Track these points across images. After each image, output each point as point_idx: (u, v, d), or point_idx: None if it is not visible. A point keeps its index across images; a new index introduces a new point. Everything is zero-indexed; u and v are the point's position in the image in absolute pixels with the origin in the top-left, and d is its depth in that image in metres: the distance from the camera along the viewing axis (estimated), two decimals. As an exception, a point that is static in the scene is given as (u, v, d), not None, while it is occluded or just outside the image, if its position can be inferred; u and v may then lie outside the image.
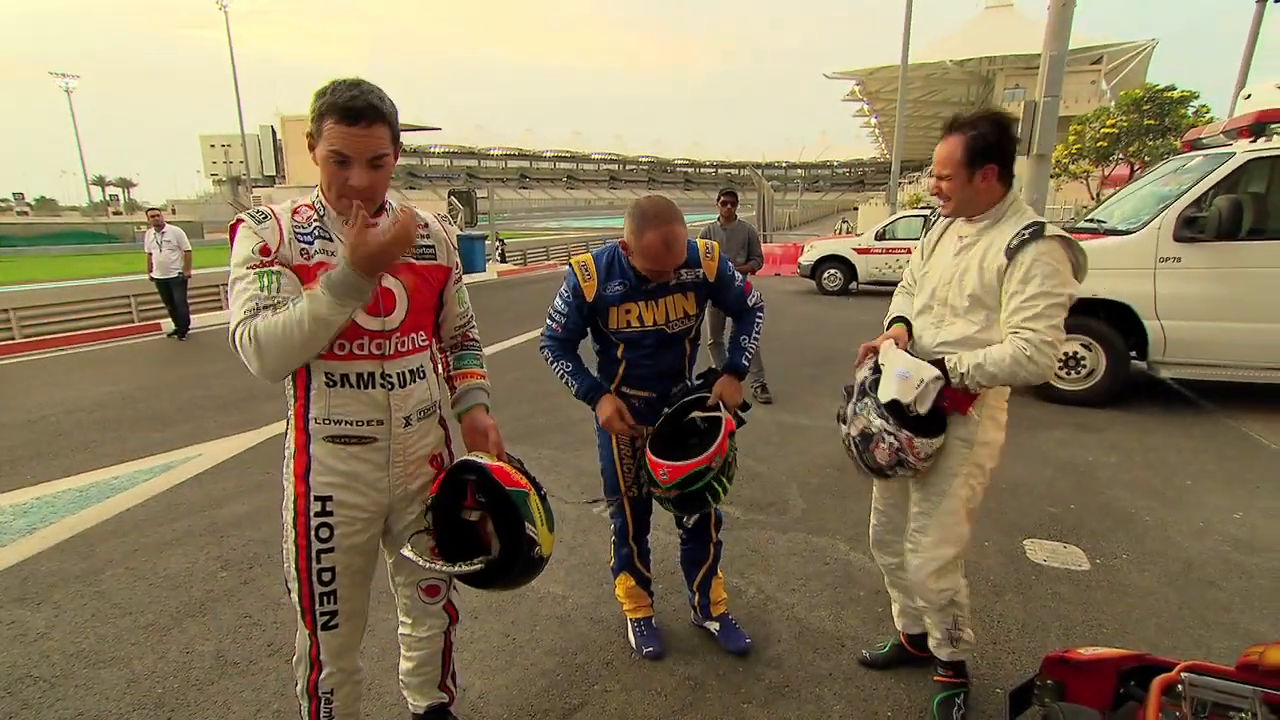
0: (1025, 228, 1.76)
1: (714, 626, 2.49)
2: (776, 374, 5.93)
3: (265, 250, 1.39)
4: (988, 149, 1.80)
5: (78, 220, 50.79)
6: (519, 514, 1.51)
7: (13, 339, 8.34)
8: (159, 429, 4.91)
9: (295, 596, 1.58)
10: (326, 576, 1.56)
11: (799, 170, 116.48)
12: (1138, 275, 4.94)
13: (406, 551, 1.58)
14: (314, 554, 1.54)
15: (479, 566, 1.54)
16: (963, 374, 1.80)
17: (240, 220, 1.45)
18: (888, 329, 2.10)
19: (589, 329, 2.22)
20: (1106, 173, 26.08)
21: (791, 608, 2.71)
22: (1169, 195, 5.06)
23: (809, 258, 13.07)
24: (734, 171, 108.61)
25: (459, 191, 18.68)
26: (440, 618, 1.80)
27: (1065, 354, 5.26)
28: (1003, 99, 43.57)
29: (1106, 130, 24.41)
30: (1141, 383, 5.76)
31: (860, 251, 12.49)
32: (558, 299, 2.17)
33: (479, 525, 1.59)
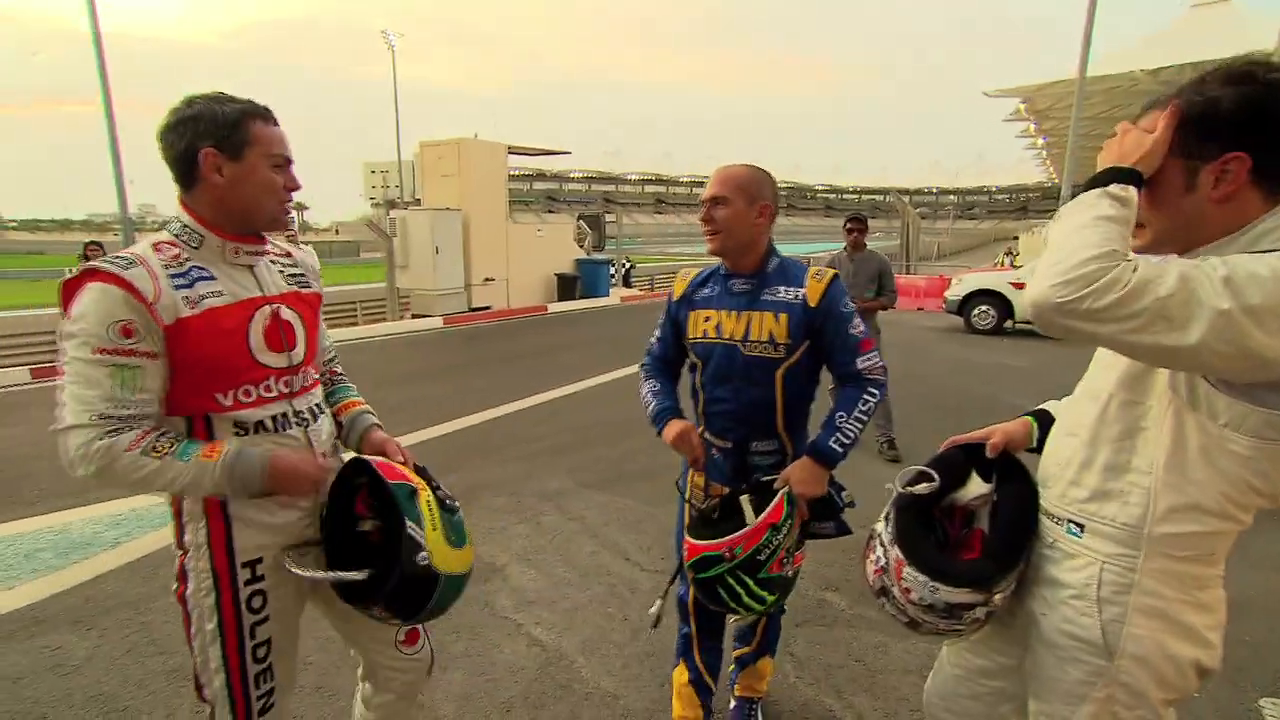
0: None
1: (730, 702, 2.18)
2: (908, 424, 5.10)
3: (128, 331, 1.18)
4: (1227, 120, 0.96)
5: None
6: (399, 510, 1.29)
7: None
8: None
9: (221, 692, 1.38)
10: (261, 652, 1.40)
11: (951, 196, 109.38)
12: None
13: (288, 564, 1.36)
14: (246, 632, 1.37)
15: (362, 576, 1.29)
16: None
17: (94, 272, 1.19)
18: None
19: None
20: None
21: (904, 754, 2.04)
22: None
23: (957, 291, 11.74)
24: (878, 197, 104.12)
25: (588, 216, 19.01)
26: (424, 662, 1.65)
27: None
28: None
29: None
30: None
31: (1018, 286, 10.97)
32: (660, 315, 2.00)
33: (373, 537, 1.40)
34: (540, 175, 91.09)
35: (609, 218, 22.09)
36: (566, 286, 15.39)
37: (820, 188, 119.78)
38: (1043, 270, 0.97)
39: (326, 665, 2.42)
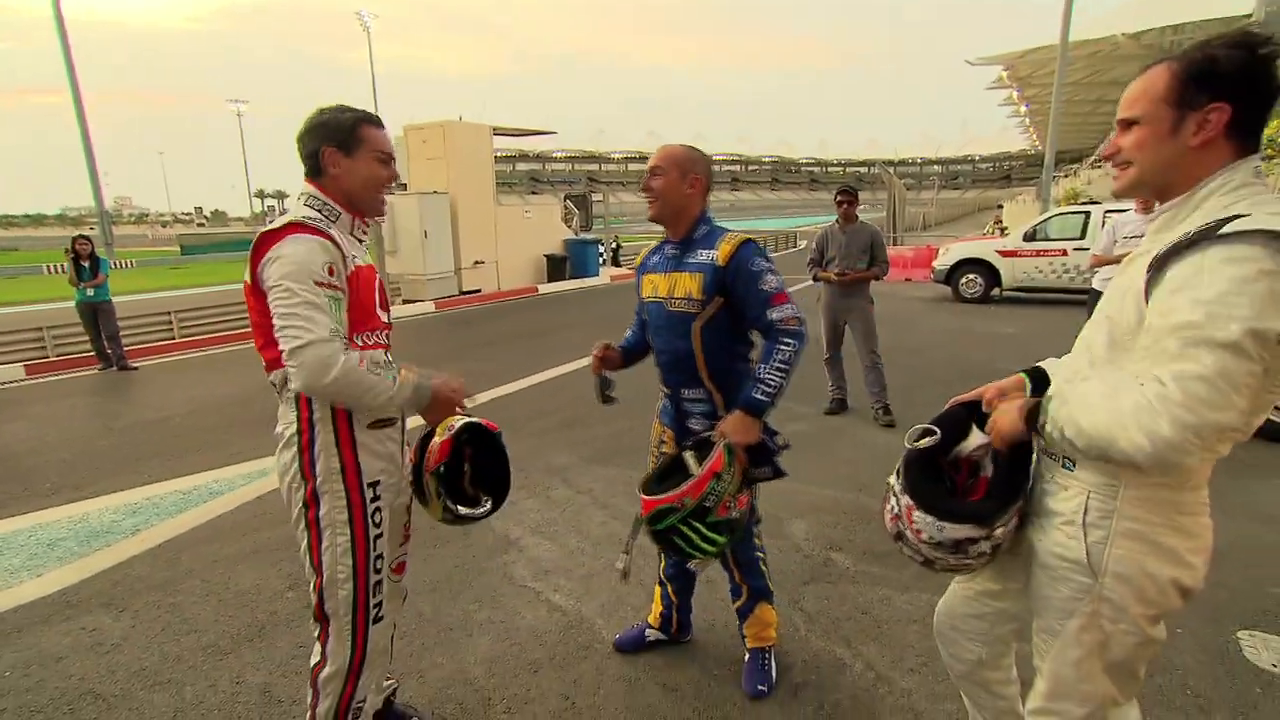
0: (1206, 225, 1.05)
1: (745, 655, 2.32)
2: (901, 394, 5.23)
3: (332, 271, 1.48)
4: (1219, 75, 1.08)
5: (241, 230, 58.42)
6: (504, 452, 1.80)
7: (172, 338, 9.26)
8: (266, 431, 5.04)
9: (345, 602, 1.63)
10: (380, 564, 1.67)
11: (935, 166, 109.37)
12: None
13: (462, 510, 1.69)
14: (371, 543, 1.64)
15: (489, 506, 1.75)
16: (1052, 418, 1.18)
17: (302, 224, 1.49)
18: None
19: None
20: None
21: (908, 694, 2.17)
22: None
23: (945, 261, 11.86)
24: (863, 170, 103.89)
25: (575, 195, 18.93)
26: (401, 595, 1.93)
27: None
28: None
29: None
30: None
31: (1005, 254, 11.09)
32: None
33: (476, 475, 1.76)
34: (523, 156, 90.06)
35: (595, 197, 21.99)
36: (556, 267, 15.38)
37: (806, 162, 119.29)
38: (1125, 451, 1.06)
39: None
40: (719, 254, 1.93)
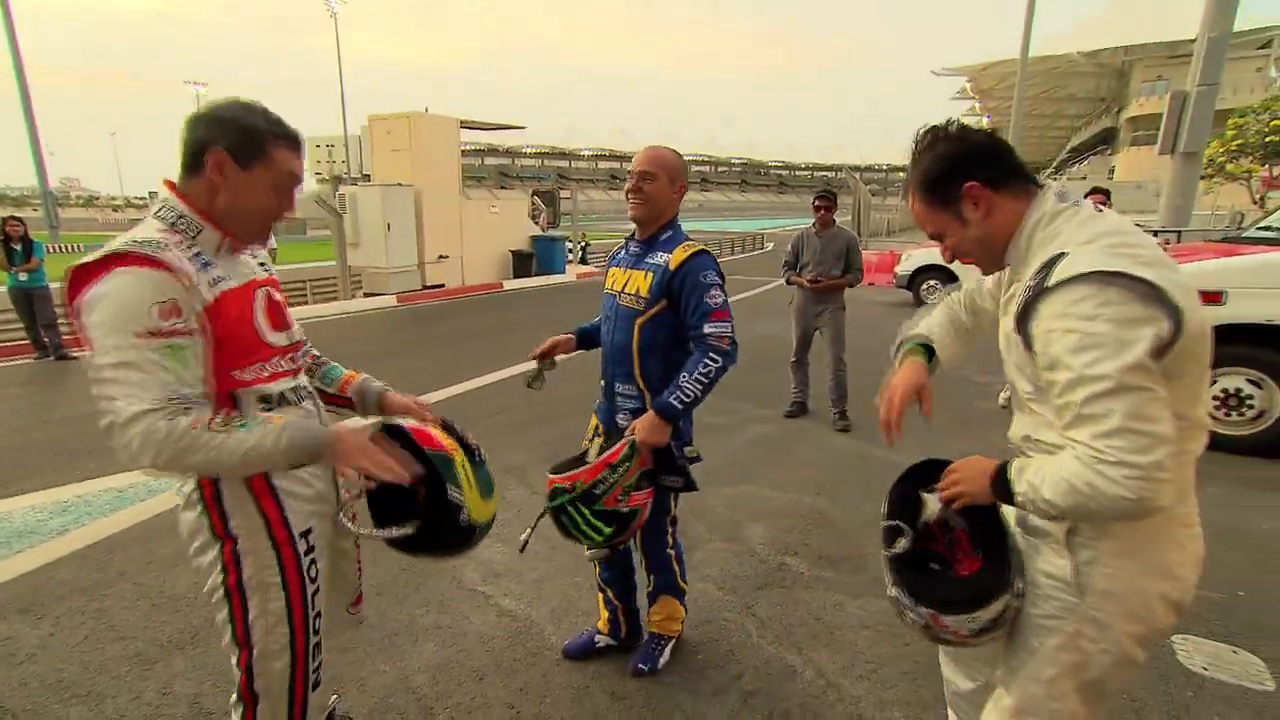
0: (1037, 272, 1.13)
1: (645, 636, 2.38)
2: (860, 397, 5.28)
3: (169, 312, 1.16)
4: (943, 167, 1.24)
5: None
6: (440, 477, 1.42)
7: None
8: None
9: (280, 676, 1.40)
10: (319, 624, 1.45)
11: (900, 173, 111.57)
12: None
13: (344, 520, 1.48)
14: (309, 604, 1.41)
15: (410, 531, 1.42)
16: (1024, 498, 1.16)
17: (124, 255, 1.16)
18: (896, 356, 1.59)
19: None
20: (1275, 172, 22.86)
21: (857, 701, 2.17)
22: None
23: (906, 267, 12.08)
24: (830, 174, 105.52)
25: (542, 192, 18.76)
26: (361, 620, 1.78)
27: (1225, 391, 4.33)
28: (1140, 93, 39.49)
29: (1279, 123, 21.26)
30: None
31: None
32: None
33: (413, 492, 1.45)
34: (492, 150, 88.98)
35: (564, 194, 21.83)
36: (522, 263, 15.21)
37: (774, 164, 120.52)
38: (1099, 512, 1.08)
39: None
40: (672, 259, 1.99)
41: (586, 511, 1.83)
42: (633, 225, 2.15)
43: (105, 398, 1.14)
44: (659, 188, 2.02)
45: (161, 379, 1.14)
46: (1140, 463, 1.01)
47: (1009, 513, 1.35)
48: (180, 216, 1.28)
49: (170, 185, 1.31)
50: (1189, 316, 1.04)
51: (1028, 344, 1.15)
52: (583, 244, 19.29)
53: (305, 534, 1.40)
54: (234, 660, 1.39)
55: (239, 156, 1.27)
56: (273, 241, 8.89)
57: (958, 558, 1.38)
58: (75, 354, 7.64)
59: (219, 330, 1.25)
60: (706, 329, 1.94)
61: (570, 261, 17.44)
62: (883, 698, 2.19)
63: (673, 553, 2.28)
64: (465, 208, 14.03)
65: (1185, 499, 1.20)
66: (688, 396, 1.89)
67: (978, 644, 1.33)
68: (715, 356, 1.92)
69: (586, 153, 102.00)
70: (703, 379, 1.90)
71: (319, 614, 1.44)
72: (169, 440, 1.12)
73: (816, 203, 5.13)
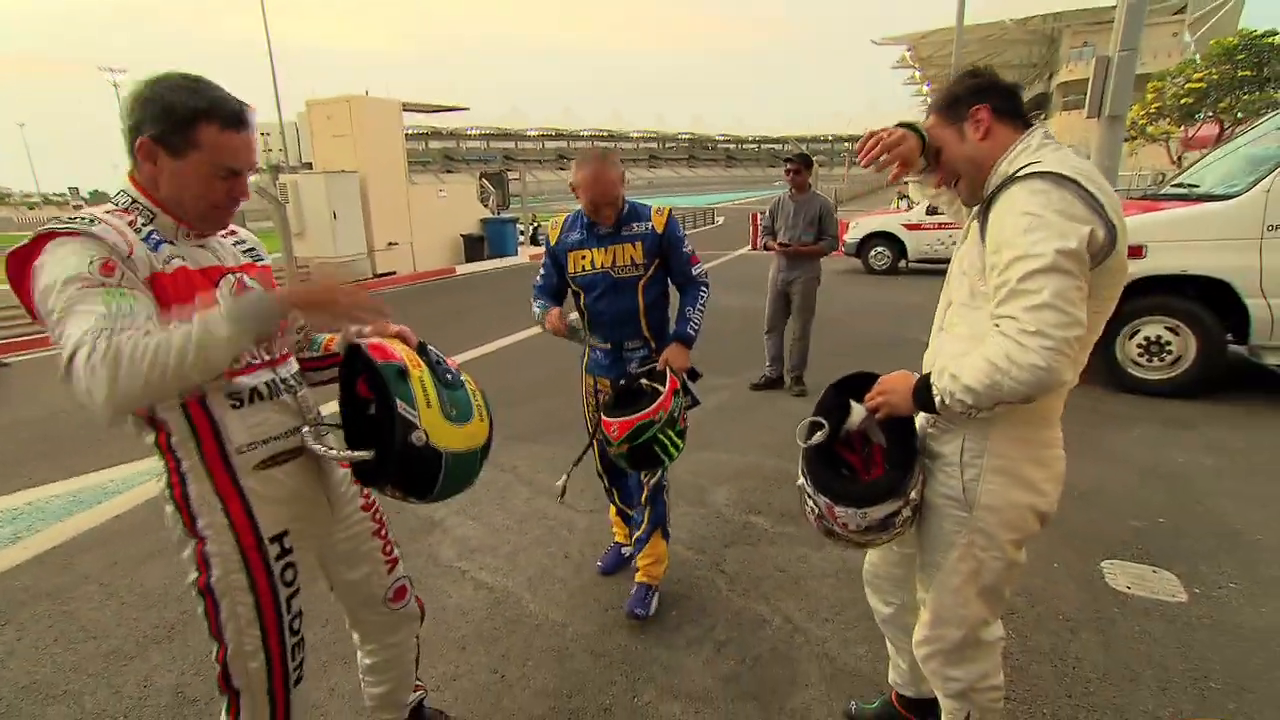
0: (1010, 177, 1.30)
1: (633, 588, 2.55)
2: (816, 363, 5.46)
3: (108, 267, 1.12)
4: (965, 90, 1.41)
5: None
6: (388, 390, 1.26)
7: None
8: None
9: (258, 673, 1.36)
10: (297, 624, 1.41)
11: (846, 143, 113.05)
12: (1240, 247, 4.26)
13: (309, 441, 1.38)
14: (283, 606, 1.37)
15: (368, 455, 1.30)
16: (942, 392, 1.30)
17: (51, 234, 1.13)
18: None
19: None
20: (1191, 133, 23.98)
21: (824, 643, 2.33)
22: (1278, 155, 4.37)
23: (855, 235, 12.39)
24: (777, 147, 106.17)
25: (490, 174, 18.46)
26: (413, 619, 1.75)
27: (1146, 339, 4.65)
28: (1069, 59, 40.84)
29: (1193, 86, 21.91)
30: (1243, 371, 5.05)
31: (910, 228, 11.73)
32: (544, 258, 2.51)
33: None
34: (436, 134, 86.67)
35: (512, 175, 21.50)
36: (473, 247, 15.01)
37: (721, 139, 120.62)
38: (1012, 391, 1.21)
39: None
40: (655, 224, 2.34)
41: (671, 434, 2.14)
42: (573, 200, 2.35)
43: (59, 347, 1.06)
44: (621, 200, 2.31)
45: (105, 311, 1.07)
46: (1056, 335, 1.15)
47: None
48: (134, 201, 1.25)
49: (131, 178, 1.27)
50: (1120, 240, 1.22)
51: (983, 232, 1.30)
52: (534, 225, 19.10)
53: (279, 537, 1.35)
54: (213, 654, 1.36)
55: (167, 144, 1.20)
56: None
57: (870, 471, 1.53)
58: (5, 361, 7.28)
59: (170, 305, 1.19)
60: (694, 272, 2.40)
61: (522, 243, 17.27)
62: (846, 637, 2.35)
63: (666, 484, 2.57)
64: (412, 193, 13.72)
65: (1051, 424, 1.40)
66: (697, 323, 2.36)
67: (863, 543, 1.50)
68: (704, 288, 2.41)
69: (533, 133, 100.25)
70: (702, 307, 2.38)
71: (297, 615, 1.40)
72: (107, 357, 1.02)
73: (786, 167, 5.06)
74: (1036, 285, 1.17)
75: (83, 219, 1.16)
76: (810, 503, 1.49)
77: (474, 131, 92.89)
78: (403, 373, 1.29)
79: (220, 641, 1.33)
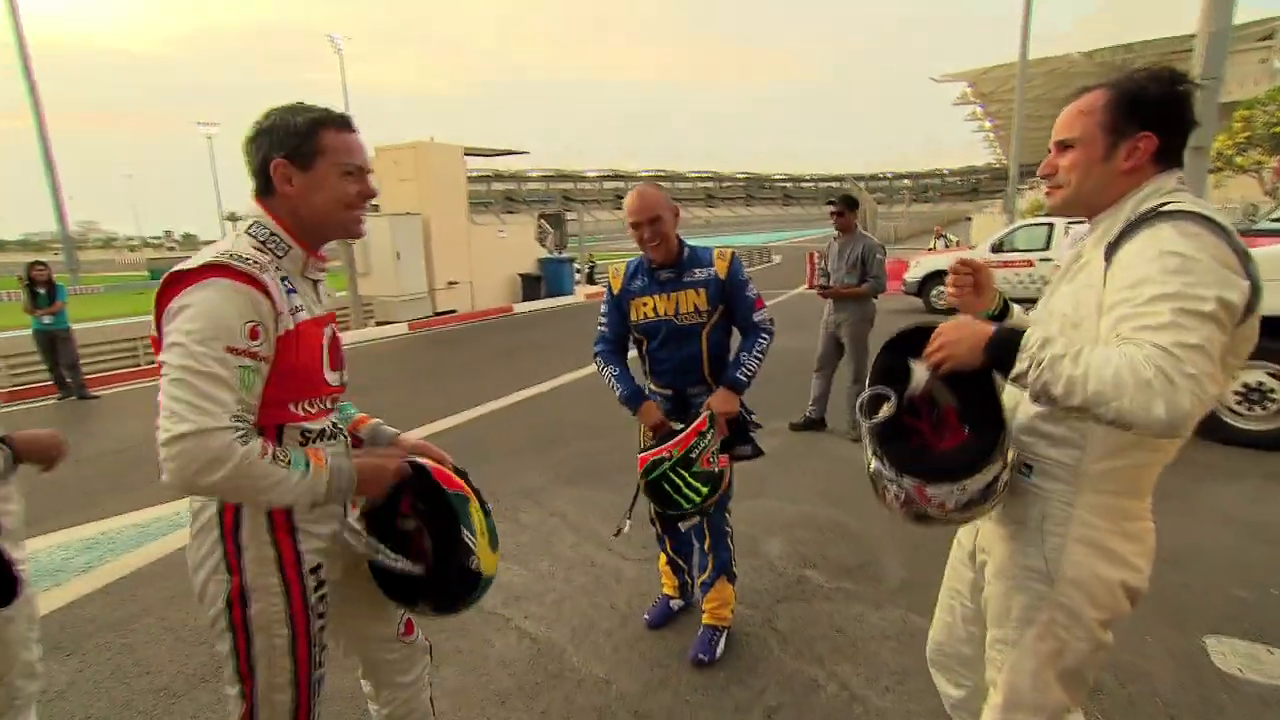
0: (1142, 215, 1.14)
1: (699, 629, 2.51)
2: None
3: (255, 334, 1.17)
4: (1148, 107, 1.17)
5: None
6: (456, 518, 1.39)
7: (137, 365, 9.04)
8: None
9: (284, 707, 1.35)
10: (321, 657, 1.41)
11: (905, 180, 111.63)
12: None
13: (350, 538, 1.39)
14: (314, 638, 1.37)
15: (420, 569, 1.39)
16: (1039, 363, 1.08)
17: (225, 266, 1.16)
18: None
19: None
20: (1285, 163, 22.56)
21: (883, 715, 2.14)
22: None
23: (915, 274, 12.07)
24: (835, 185, 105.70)
25: (549, 215, 18.94)
26: (424, 651, 1.73)
27: (1246, 385, 4.27)
28: (1140, 91, 39.16)
29: None
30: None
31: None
32: (602, 304, 2.48)
33: (415, 537, 1.45)
34: (498, 176, 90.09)
35: (570, 215, 22.02)
36: (531, 286, 15.33)
37: (778, 177, 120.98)
38: (1132, 410, 1.01)
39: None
40: (718, 269, 2.30)
41: (686, 474, 2.12)
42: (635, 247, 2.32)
43: (182, 404, 1.10)
44: (667, 224, 2.25)
45: (237, 396, 1.14)
46: (1204, 387, 0.99)
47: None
48: (271, 235, 1.29)
49: (261, 203, 1.31)
50: (1260, 301, 1.10)
51: (1107, 264, 1.14)
52: (590, 265, 19.42)
53: (316, 569, 1.37)
54: (236, 691, 1.35)
55: (296, 159, 1.27)
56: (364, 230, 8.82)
57: (943, 437, 1.31)
58: (95, 394, 7.78)
59: (289, 360, 1.24)
60: (756, 318, 2.34)
61: (578, 282, 17.55)
62: (909, 710, 2.16)
63: (730, 530, 2.50)
64: (473, 233, 14.20)
65: (1145, 493, 1.26)
66: (750, 370, 2.29)
67: (962, 520, 1.29)
68: (765, 335, 2.34)
69: (592, 173, 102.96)
70: (760, 355, 2.31)
71: (323, 648, 1.41)
72: (237, 465, 1.11)
73: (830, 209, 5.00)
74: (1191, 324, 1.01)
75: (251, 261, 1.19)
76: (892, 488, 1.28)
77: (535, 173, 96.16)
78: (466, 501, 1.43)
79: (248, 678, 1.32)
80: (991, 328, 1.18)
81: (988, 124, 59.24)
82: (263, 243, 1.28)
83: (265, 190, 1.29)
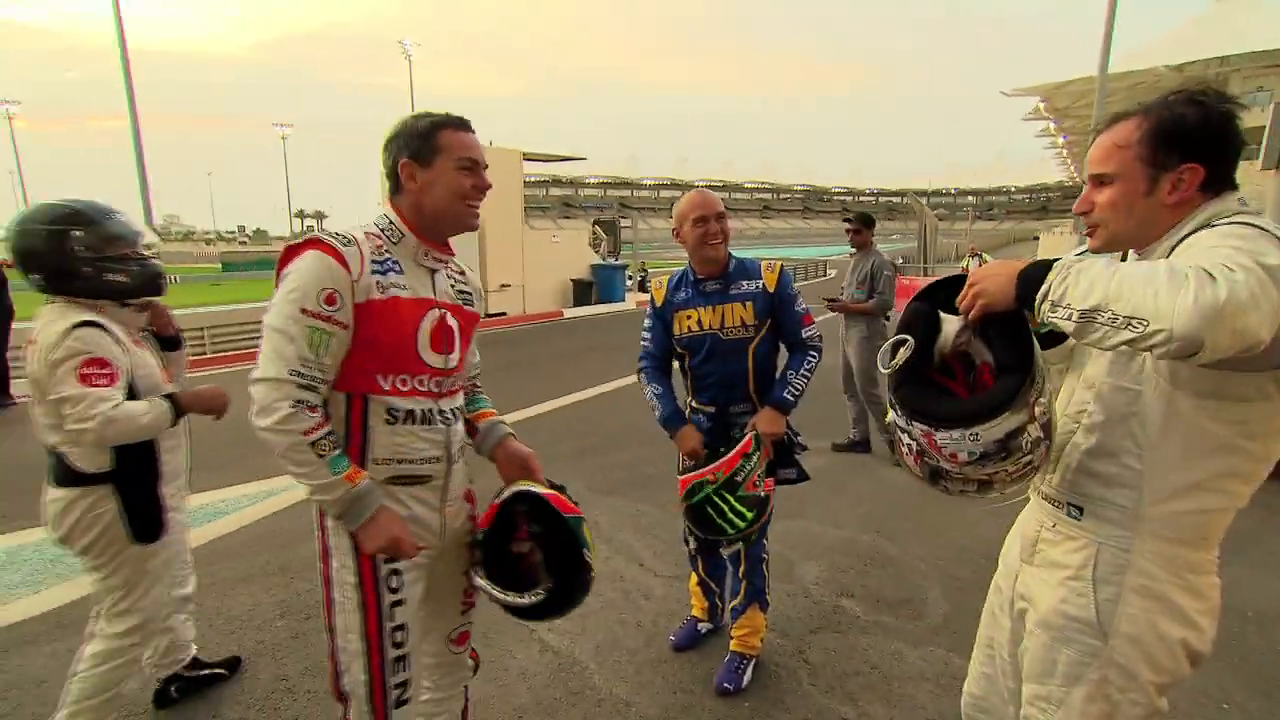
0: (1203, 220, 1.05)
1: (726, 655, 2.42)
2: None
3: (332, 299, 1.31)
4: (1189, 136, 1.05)
5: (281, 248, 63.88)
6: (577, 540, 1.50)
7: (204, 354, 9.46)
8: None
9: (360, 676, 1.42)
10: (400, 636, 1.45)
11: (969, 196, 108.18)
12: None
13: (480, 581, 1.55)
14: (385, 610, 1.43)
15: (543, 596, 1.50)
16: (1065, 267, 0.98)
17: (317, 240, 1.34)
18: None
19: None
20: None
21: (921, 765, 2.00)
22: None
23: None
24: (895, 199, 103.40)
25: (603, 221, 19.11)
26: (466, 667, 1.75)
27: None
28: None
29: None
30: None
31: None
32: (645, 318, 2.41)
33: (526, 557, 1.55)
34: (556, 181, 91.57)
35: (624, 223, 22.15)
36: (582, 292, 15.45)
37: (837, 190, 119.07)
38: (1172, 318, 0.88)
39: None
40: (766, 281, 2.22)
41: (731, 498, 2.04)
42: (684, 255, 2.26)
43: (260, 354, 1.30)
44: (727, 224, 2.21)
45: (300, 353, 1.28)
46: (1248, 297, 0.84)
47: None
48: (390, 224, 1.45)
49: (391, 202, 1.48)
50: None
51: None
52: (642, 272, 19.46)
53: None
54: (326, 651, 1.46)
55: (418, 158, 1.41)
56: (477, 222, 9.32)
57: (975, 390, 1.17)
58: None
59: (371, 330, 1.35)
60: (805, 334, 2.25)
61: (630, 290, 17.59)
62: (947, 761, 2.01)
63: (766, 557, 2.41)
64: (527, 237, 14.41)
65: (1211, 545, 1.13)
66: (797, 389, 2.20)
67: (984, 480, 1.13)
68: (814, 353, 2.25)
69: (649, 182, 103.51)
70: (808, 373, 2.22)
71: (401, 626, 1.44)
72: (284, 422, 1.26)
73: (846, 226, 5.06)
74: (1249, 263, 0.88)
75: (343, 237, 1.35)
76: (906, 440, 1.16)
77: (593, 180, 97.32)
78: (581, 522, 1.53)
79: (331, 633, 1.44)
80: (1024, 261, 1.09)
81: (1060, 140, 56.85)
82: (381, 230, 1.44)
83: (396, 190, 1.45)
